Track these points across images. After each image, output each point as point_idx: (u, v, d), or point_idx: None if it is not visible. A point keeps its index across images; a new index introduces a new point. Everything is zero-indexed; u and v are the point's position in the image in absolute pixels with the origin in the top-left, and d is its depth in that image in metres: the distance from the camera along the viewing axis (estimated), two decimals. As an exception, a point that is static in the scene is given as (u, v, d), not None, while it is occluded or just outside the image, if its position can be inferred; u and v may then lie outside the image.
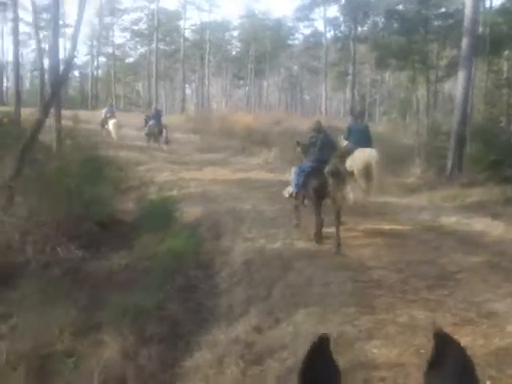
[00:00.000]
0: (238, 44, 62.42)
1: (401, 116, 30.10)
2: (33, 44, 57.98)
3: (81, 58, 59.95)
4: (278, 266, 7.26)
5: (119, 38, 60.96)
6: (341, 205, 8.42)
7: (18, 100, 22.72)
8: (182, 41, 49.90)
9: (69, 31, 59.03)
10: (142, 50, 60.44)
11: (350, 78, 40.09)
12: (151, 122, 20.67)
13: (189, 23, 57.07)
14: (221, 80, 61.63)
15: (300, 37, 58.94)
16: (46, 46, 60.62)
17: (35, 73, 60.65)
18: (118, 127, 21.17)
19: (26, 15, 57.24)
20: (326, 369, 1.07)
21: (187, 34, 57.55)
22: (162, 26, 53.67)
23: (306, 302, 5.80)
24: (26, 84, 61.33)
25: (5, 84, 55.27)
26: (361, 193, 10.60)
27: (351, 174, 10.15)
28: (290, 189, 9.50)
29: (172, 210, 10.71)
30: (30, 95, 57.89)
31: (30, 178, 8.77)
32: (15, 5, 27.10)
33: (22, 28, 57.30)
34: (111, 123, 21.25)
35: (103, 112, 22.98)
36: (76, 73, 67.02)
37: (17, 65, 20.89)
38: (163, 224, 9.43)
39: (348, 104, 43.24)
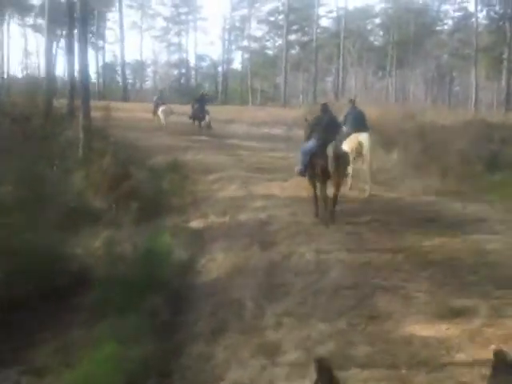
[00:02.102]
0: (380, 32, 56.43)
1: None
2: (170, 39, 56.68)
3: (216, 52, 58.01)
4: None
5: (256, 30, 57.46)
6: (339, 182, 8.62)
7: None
8: (314, 29, 45.24)
9: (202, 24, 57.32)
10: (280, 41, 56.63)
11: (505, 64, 33.19)
12: (196, 106, 21.03)
13: (325, 10, 52.25)
14: (361, 71, 56.22)
15: (449, 21, 51.96)
16: (183, 40, 59.57)
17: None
18: (167, 114, 20.69)
19: (165, 10, 56.28)
20: None
21: (324, 22, 52.98)
22: (296, 14, 49.40)
23: None
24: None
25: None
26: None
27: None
28: (297, 167, 9.33)
29: (184, 261, 6.55)
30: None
31: None
32: None
33: (160, 23, 56.41)
34: (161, 110, 20.79)
35: (154, 100, 22.85)
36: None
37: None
38: (140, 294, 5.23)
39: (503, 94, 36.26)
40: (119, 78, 61.79)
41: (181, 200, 10.32)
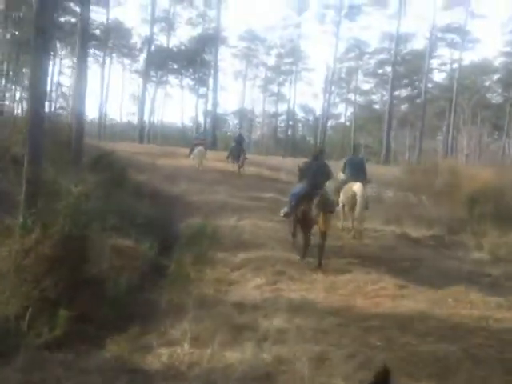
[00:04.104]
0: (499, 89, 50.27)
1: None
2: (273, 89, 54.09)
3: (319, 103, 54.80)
4: None
5: (363, 83, 53.47)
6: (325, 231, 8.10)
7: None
8: (424, 81, 40.44)
9: (306, 75, 53.87)
10: (387, 95, 52.27)
11: None
12: (232, 145, 20.99)
13: (437, 62, 47.24)
14: (474, 130, 50.32)
15: None
16: (286, 91, 56.27)
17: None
18: (201, 155, 20.12)
19: (269, 60, 53.91)
20: None
21: (436, 76, 48.07)
22: (406, 67, 44.96)
23: None
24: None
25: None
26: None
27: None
28: (285, 209, 9.24)
29: None
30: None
31: None
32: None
33: (264, 73, 54.16)
34: (196, 150, 20.24)
35: (193, 138, 23.20)
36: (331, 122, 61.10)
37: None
38: None
39: None
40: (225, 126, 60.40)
41: (168, 301, 6.41)
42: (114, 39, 47.94)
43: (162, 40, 48.90)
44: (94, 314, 5.69)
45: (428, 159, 39.29)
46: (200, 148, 20.20)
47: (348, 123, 57.41)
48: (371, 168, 27.80)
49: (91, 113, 48.23)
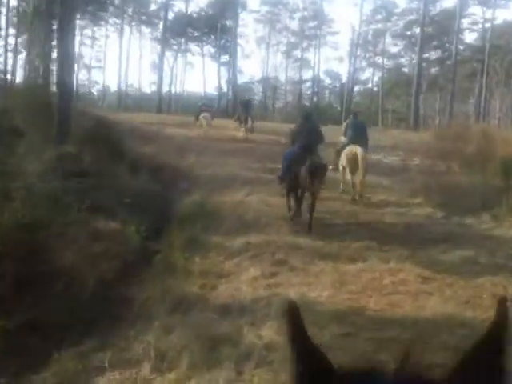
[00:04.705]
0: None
1: None
2: (297, 55, 52.03)
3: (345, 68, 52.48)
4: None
5: (391, 46, 50.88)
6: (316, 194, 8.06)
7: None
8: (454, 42, 38.03)
9: (331, 39, 51.65)
10: (416, 58, 49.77)
11: None
12: (240, 109, 21.26)
13: (468, 21, 44.49)
14: (507, 92, 47.70)
15: None
16: (311, 56, 54.17)
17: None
18: (207, 120, 20.33)
19: (293, 24, 51.82)
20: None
21: (467, 37, 45.46)
22: (435, 27, 42.52)
23: None
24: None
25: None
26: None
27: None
28: (279, 173, 9.06)
29: None
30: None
31: None
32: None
33: (287, 38, 52.21)
34: (202, 115, 20.63)
35: (199, 105, 24.21)
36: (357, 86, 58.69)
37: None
38: None
39: None
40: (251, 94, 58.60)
41: (144, 301, 5.31)
42: (133, 7, 46.51)
43: (180, 6, 47.26)
44: (45, 320, 4.61)
45: (459, 123, 37.37)
46: (205, 114, 20.67)
47: (375, 88, 55.13)
48: (398, 134, 26.26)
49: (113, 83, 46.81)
